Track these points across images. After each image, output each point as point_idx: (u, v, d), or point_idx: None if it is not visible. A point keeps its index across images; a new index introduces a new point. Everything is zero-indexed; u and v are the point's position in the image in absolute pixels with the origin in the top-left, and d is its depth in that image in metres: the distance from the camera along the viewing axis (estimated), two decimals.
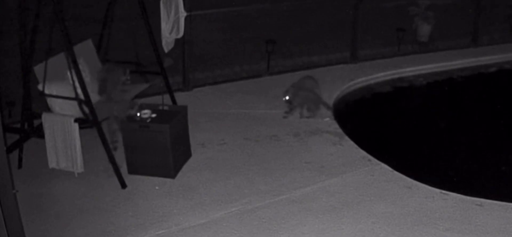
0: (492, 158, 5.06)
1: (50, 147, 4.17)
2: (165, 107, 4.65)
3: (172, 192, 4.19)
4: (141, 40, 5.32)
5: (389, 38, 7.71)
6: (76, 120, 4.09)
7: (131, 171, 4.39)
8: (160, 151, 4.30)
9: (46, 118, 4.15)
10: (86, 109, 4.16)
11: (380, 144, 5.14)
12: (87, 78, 4.45)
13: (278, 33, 7.36)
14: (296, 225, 3.80)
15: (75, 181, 4.24)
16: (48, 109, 4.29)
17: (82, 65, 4.45)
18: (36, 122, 4.38)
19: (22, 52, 4.24)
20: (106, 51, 5.22)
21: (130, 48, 5.09)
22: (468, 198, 4.15)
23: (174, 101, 5.41)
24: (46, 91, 4.16)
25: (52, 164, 4.23)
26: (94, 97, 4.54)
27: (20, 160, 4.40)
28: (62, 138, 4.11)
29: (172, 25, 5.47)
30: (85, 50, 4.81)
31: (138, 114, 4.36)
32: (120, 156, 4.37)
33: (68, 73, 4.13)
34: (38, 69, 4.22)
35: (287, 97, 5.39)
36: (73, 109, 4.19)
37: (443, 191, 4.23)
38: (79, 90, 4.12)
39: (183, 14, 5.49)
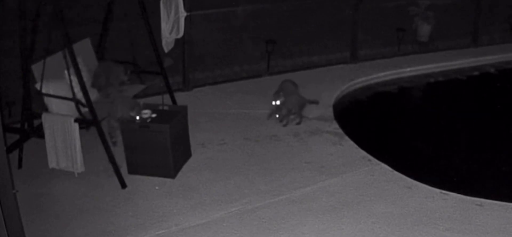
0: (492, 158, 5.06)
1: (50, 147, 4.17)
2: (165, 107, 4.65)
3: (172, 192, 4.19)
4: (141, 40, 5.32)
5: (389, 38, 7.71)
6: (76, 120, 4.09)
7: (131, 171, 4.39)
8: (160, 151, 4.30)
9: (46, 118, 4.15)
10: (82, 109, 4.16)
11: (380, 144, 5.14)
12: (85, 77, 4.45)
13: (278, 33, 7.35)
14: (296, 225, 3.80)
15: (75, 181, 4.24)
16: (47, 108, 4.29)
17: (80, 64, 4.44)
18: (36, 122, 4.38)
19: (22, 52, 4.24)
20: (103, 50, 5.22)
21: (128, 48, 5.10)
22: (468, 198, 4.15)
23: (174, 101, 5.41)
24: (44, 91, 4.16)
25: (52, 164, 4.23)
26: (92, 96, 4.53)
27: (20, 160, 4.40)
28: (62, 138, 4.11)
29: (172, 25, 5.46)
30: (83, 49, 4.81)
31: (138, 118, 4.34)
32: (120, 156, 4.37)
33: (66, 72, 4.13)
34: (36, 68, 4.21)
35: (278, 102, 5.28)
36: (69, 109, 4.19)
37: (443, 191, 4.23)
38: (76, 90, 4.12)
39: (183, 14, 5.48)
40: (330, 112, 5.68)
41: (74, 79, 4.11)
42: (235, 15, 7.73)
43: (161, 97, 4.80)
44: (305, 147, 4.95)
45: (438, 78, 7.09)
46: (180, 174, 4.44)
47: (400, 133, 5.55)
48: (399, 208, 4.01)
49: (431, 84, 6.97)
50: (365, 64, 7.14)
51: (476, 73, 7.29)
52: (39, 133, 4.24)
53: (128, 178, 4.28)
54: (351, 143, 5.03)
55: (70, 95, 4.15)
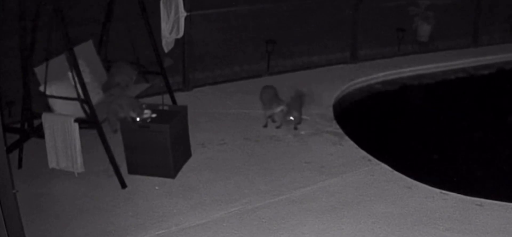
0: (492, 158, 5.06)
1: (50, 147, 4.17)
2: (165, 107, 4.65)
3: (172, 192, 4.19)
4: (141, 40, 5.32)
5: (389, 38, 7.71)
6: (76, 120, 4.09)
7: (131, 171, 4.39)
8: (160, 151, 4.30)
9: (46, 118, 4.15)
10: (88, 109, 4.17)
11: (380, 144, 5.13)
12: (87, 79, 4.46)
13: (278, 33, 7.35)
14: (296, 225, 3.80)
15: (75, 181, 4.24)
16: (48, 109, 4.29)
17: (82, 66, 4.45)
18: (36, 122, 4.38)
19: (22, 52, 4.24)
20: (106, 51, 5.23)
21: (130, 49, 5.10)
22: (468, 198, 4.15)
23: (174, 101, 5.41)
24: (47, 92, 4.16)
25: (52, 164, 4.23)
26: (95, 97, 4.55)
27: (20, 160, 4.40)
28: (62, 138, 4.11)
29: (172, 25, 5.47)
30: (86, 51, 4.82)
31: (138, 119, 4.34)
32: (120, 156, 4.37)
33: (70, 73, 4.14)
34: (39, 70, 4.22)
35: (279, 109, 5.14)
36: (74, 110, 4.19)
37: (443, 191, 4.23)
38: (81, 91, 4.12)
39: (183, 14, 5.49)
40: (330, 112, 5.68)
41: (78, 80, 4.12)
42: (235, 15, 7.73)
43: (161, 97, 4.80)
44: (305, 147, 4.95)
45: (438, 78, 7.09)
46: (180, 174, 4.44)
47: (400, 133, 5.55)
48: (399, 208, 4.01)
49: (431, 84, 6.97)
50: (365, 64, 7.14)
51: (476, 73, 7.29)
52: (39, 133, 4.24)
53: (128, 178, 4.28)
54: (351, 143, 5.03)
55: (74, 96, 4.15)
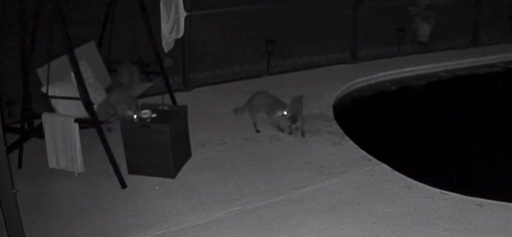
0: (492, 158, 5.06)
1: (50, 147, 4.17)
2: (165, 107, 4.65)
3: (172, 192, 4.19)
4: (141, 40, 5.33)
5: (389, 38, 7.72)
6: (76, 120, 4.09)
7: (131, 171, 4.39)
8: (160, 151, 4.30)
9: (46, 118, 4.15)
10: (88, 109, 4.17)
11: (380, 144, 5.13)
12: (90, 79, 4.46)
13: (278, 33, 7.36)
14: (296, 225, 3.80)
15: (75, 181, 4.24)
16: (48, 109, 4.29)
17: (85, 67, 4.46)
18: (36, 122, 4.38)
19: (22, 52, 4.24)
20: (109, 51, 5.24)
21: (128, 48, 5.11)
22: (468, 198, 4.15)
23: (174, 101, 5.41)
24: (50, 93, 4.16)
25: (52, 164, 4.23)
26: (98, 98, 4.56)
27: (20, 160, 4.40)
28: (62, 138, 4.11)
29: (172, 25, 5.47)
30: (88, 51, 4.84)
31: (136, 117, 4.35)
32: (120, 156, 4.37)
33: (72, 74, 4.15)
34: (41, 71, 4.23)
35: (285, 113, 5.00)
36: (77, 110, 4.20)
37: (443, 191, 4.23)
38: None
39: (183, 14, 5.48)
40: (330, 112, 5.68)
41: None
42: (235, 15, 7.74)
43: (161, 97, 4.80)
44: (305, 147, 4.95)
45: (438, 78, 7.09)
46: (180, 174, 4.44)
47: (400, 132, 5.55)
48: (399, 208, 4.01)
49: (431, 84, 6.97)
50: (365, 64, 7.14)
51: (476, 73, 7.29)
52: (39, 133, 4.24)
53: (128, 178, 4.28)
54: (351, 143, 5.03)
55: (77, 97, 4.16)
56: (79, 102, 4.12)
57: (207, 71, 6.63)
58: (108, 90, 4.91)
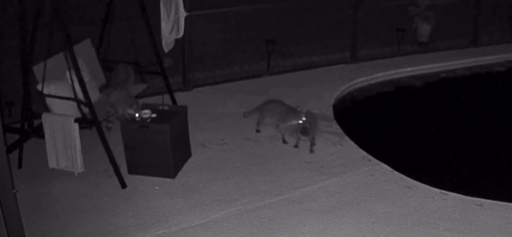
0: (492, 158, 5.06)
1: (50, 147, 4.16)
2: (165, 107, 4.65)
3: (172, 192, 4.19)
4: (141, 40, 5.32)
5: (389, 38, 7.71)
6: (76, 120, 4.09)
7: (131, 171, 4.39)
8: (160, 151, 4.30)
9: (46, 118, 4.15)
10: (85, 109, 4.17)
11: (380, 144, 5.13)
12: (86, 78, 4.46)
13: (278, 33, 7.36)
14: (296, 225, 3.80)
15: (75, 181, 4.24)
16: (48, 109, 4.29)
17: (81, 65, 4.45)
18: (36, 122, 4.38)
19: (22, 52, 4.24)
20: (106, 51, 5.24)
21: (128, 49, 5.11)
22: (468, 198, 4.15)
23: (174, 101, 5.41)
24: (45, 91, 4.16)
25: (52, 164, 4.22)
26: (93, 96, 4.55)
27: (20, 160, 4.40)
28: (62, 138, 4.11)
29: (172, 25, 5.47)
30: (84, 50, 4.82)
31: (137, 115, 4.36)
32: (120, 156, 4.37)
33: (68, 73, 4.14)
34: (37, 69, 4.22)
35: (300, 122, 4.81)
36: (71, 109, 4.19)
37: (443, 191, 4.23)
38: (78, 90, 4.12)
39: (183, 14, 5.48)
40: (330, 112, 5.68)
41: (76, 80, 4.11)
42: (235, 15, 7.74)
43: (161, 97, 4.80)
44: (305, 147, 4.94)
45: (438, 78, 7.09)
46: (180, 174, 4.44)
47: (400, 132, 5.55)
48: (399, 208, 4.01)
49: (431, 84, 6.97)
50: (365, 64, 7.14)
51: (476, 73, 7.29)
52: (39, 133, 4.24)
53: (128, 178, 4.28)
54: (351, 143, 5.03)
55: (71, 96, 4.15)
56: (74, 102, 4.12)
57: (207, 71, 6.63)
58: (101, 89, 4.90)
